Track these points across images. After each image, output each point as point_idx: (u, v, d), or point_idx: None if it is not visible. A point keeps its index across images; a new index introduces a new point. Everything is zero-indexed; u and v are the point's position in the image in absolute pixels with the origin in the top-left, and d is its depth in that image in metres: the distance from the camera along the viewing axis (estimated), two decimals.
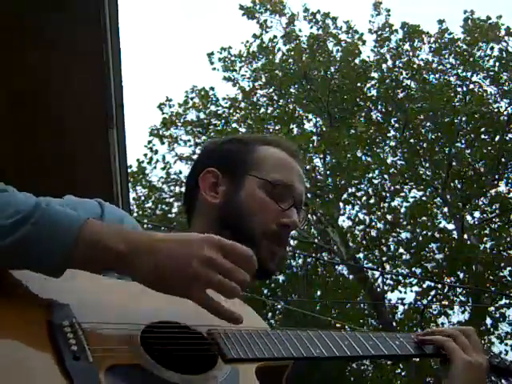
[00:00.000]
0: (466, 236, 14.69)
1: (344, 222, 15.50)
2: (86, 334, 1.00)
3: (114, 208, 1.39)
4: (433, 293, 14.72)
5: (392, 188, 15.43)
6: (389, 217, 15.25)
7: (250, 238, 1.39)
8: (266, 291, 15.23)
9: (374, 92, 16.26)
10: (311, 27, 16.56)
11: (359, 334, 1.34)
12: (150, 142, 16.35)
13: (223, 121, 16.50)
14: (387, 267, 15.19)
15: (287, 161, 1.52)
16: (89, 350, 0.97)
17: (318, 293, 15.59)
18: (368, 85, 16.19)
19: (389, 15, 16.31)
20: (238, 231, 1.41)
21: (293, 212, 1.46)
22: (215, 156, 1.54)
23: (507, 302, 14.04)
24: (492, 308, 14.27)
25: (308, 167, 15.41)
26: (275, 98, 16.70)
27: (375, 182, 15.63)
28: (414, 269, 14.97)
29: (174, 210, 16.17)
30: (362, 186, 15.52)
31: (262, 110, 16.74)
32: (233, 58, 16.80)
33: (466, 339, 1.37)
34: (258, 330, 1.20)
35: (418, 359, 10.28)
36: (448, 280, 14.65)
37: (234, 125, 16.41)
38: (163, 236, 1.09)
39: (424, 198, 15.44)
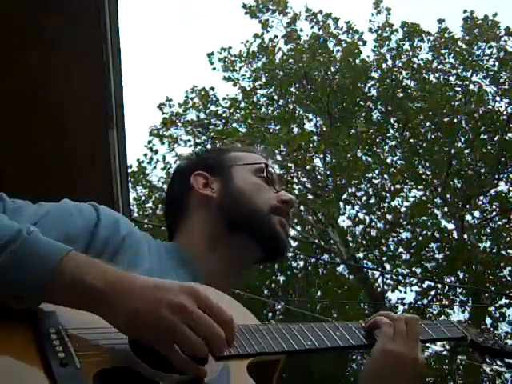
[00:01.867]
0: (465, 236, 14.69)
1: (344, 221, 15.52)
2: (73, 340, 0.99)
3: (108, 210, 1.38)
4: (433, 293, 14.73)
5: (392, 188, 15.43)
6: (389, 217, 15.25)
7: (258, 215, 1.44)
8: (266, 291, 15.24)
9: (373, 92, 16.27)
10: (312, 27, 16.59)
11: (351, 324, 1.34)
12: (149, 141, 16.37)
13: (223, 121, 16.50)
14: (387, 267, 15.19)
15: (260, 155, 1.60)
16: (76, 356, 0.96)
17: (319, 293, 15.59)
18: (368, 85, 16.20)
19: (389, 14, 16.34)
20: (245, 213, 1.45)
21: (286, 192, 1.53)
22: (199, 161, 1.58)
23: (507, 301, 14.04)
24: (492, 308, 14.27)
25: (308, 167, 15.42)
26: (275, 97, 16.70)
27: (375, 181, 15.63)
28: (413, 268, 14.97)
29: None
30: (362, 185, 15.52)
31: (263, 109, 16.74)
32: (233, 58, 16.81)
33: (404, 327, 1.32)
34: (248, 325, 1.19)
35: None
36: (448, 280, 14.66)
37: (234, 125, 16.42)
38: (139, 278, 1.05)
39: (424, 198, 15.45)
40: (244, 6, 16.55)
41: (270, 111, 16.70)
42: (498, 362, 1.50)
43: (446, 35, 16.16)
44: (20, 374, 0.93)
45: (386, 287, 14.98)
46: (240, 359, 1.11)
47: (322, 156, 15.73)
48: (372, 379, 1.30)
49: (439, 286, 14.54)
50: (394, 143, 16.08)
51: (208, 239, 1.45)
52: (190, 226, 1.50)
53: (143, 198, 16.47)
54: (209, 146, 16.26)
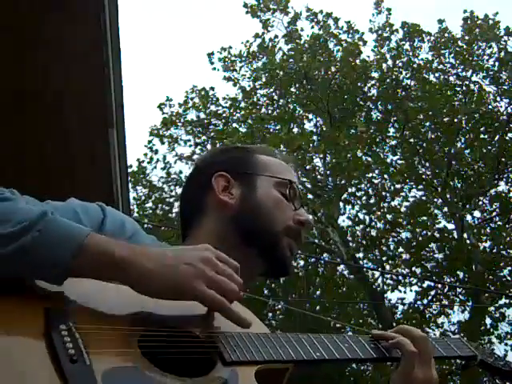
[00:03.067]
0: (465, 236, 14.70)
1: (344, 221, 15.52)
2: (84, 337, 1.00)
3: (115, 212, 1.39)
4: (433, 292, 14.73)
5: (392, 188, 15.43)
6: (389, 216, 15.25)
7: (272, 235, 1.43)
8: (266, 291, 15.23)
9: (374, 92, 16.27)
10: (312, 27, 16.59)
11: (360, 337, 1.34)
12: (150, 141, 16.38)
13: (223, 121, 16.50)
14: (387, 267, 15.19)
15: (286, 165, 1.57)
16: (86, 353, 0.97)
17: (317, 292, 15.59)
18: (368, 85, 16.20)
19: (389, 14, 16.34)
20: (259, 229, 1.43)
21: (304, 211, 1.50)
22: (222, 161, 1.53)
23: (507, 301, 14.04)
24: (492, 308, 14.27)
25: (308, 167, 15.42)
26: (275, 97, 16.70)
27: (375, 181, 15.63)
28: (413, 268, 14.97)
29: (175, 209, 16.17)
30: (362, 185, 15.53)
31: (263, 109, 16.74)
32: (233, 58, 16.81)
33: (428, 345, 1.34)
34: (257, 333, 1.19)
35: None
36: (448, 280, 14.66)
37: (234, 125, 16.42)
38: (168, 248, 1.15)
39: (424, 198, 15.45)
40: (245, 6, 16.55)
41: (270, 111, 16.70)
42: None
43: (446, 35, 16.16)
44: (30, 370, 0.93)
45: (385, 287, 15.00)
46: (248, 366, 1.12)
47: (321, 156, 15.73)
48: None
49: (439, 285, 14.54)
50: (394, 143, 16.08)
51: (218, 248, 1.44)
52: (202, 227, 1.48)
53: (143, 197, 16.48)
54: (209, 146, 16.28)
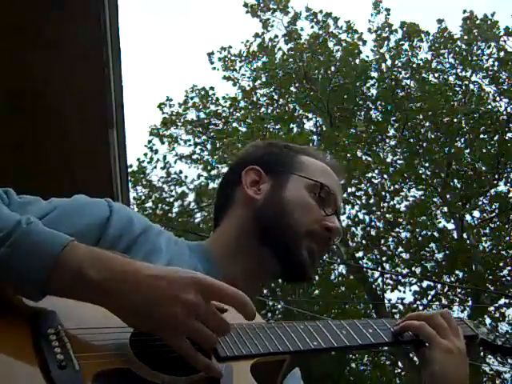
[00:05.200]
0: (465, 235, 14.70)
1: (344, 221, 15.51)
2: (72, 341, 0.97)
3: (123, 208, 1.34)
4: (432, 292, 14.74)
5: (392, 187, 15.43)
6: (388, 216, 15.26)
7: (291, 235, 1.36)
8: (265, 291, 15.24)
9: (373, 92, 16.28)
10: (312, 27, 16.59)
11: (358, 322, 1.31)
12: (150, 141, 16.37)
13: (223, 120, 16.50)
14: (387, 267, 15.19)
15: (331, 171, 1.50)
16: (75, 358, 0.94)
17: (316, 292, 15.58)
18: (368, 84, 16.21)
19: (388, 14, 16.35)
20: (279, 228, 1.37)
21: (335, 219, 1.41)
22: (259, 155, 1.49)
23: (507, 301, 14.05)
24: (492, 308, 14.28)
25: None
26: (275, 97, 16.70)
27: (375, 181, 15.64)
28: (413, 268, 14.98)
29: (175, 209, 16.18)
30: (362, 185, 15.53)
31: (262, 109, 16.74)
32: (233, 58, 16.81)
33: (444, 321, 1.33)
34: (252, 324, 1.15)
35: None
36: (448, 280, 14.66)
37: (234, 124, 16.42)
38: (146, 270, 1.01)
39: (423, 198, 15.45)
40: (245, 5, 16.56)
41: (269, 111, 16.70)
42: (510, 361, 1.49)
43: (445, 35, 16.16)
44: (17, 376, 0.91)
45: (385, 287, 15.00)
46: (244, 360, 1.09)
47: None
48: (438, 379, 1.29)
49: (439, 285, 14.55)
50: (393, 143, 16.09)
51: (235, 244, 1.40)
52: (227, 221, 1.45)
53: (143, 197, 16.47)
54: (209, 146, 16.29)
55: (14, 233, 0.97)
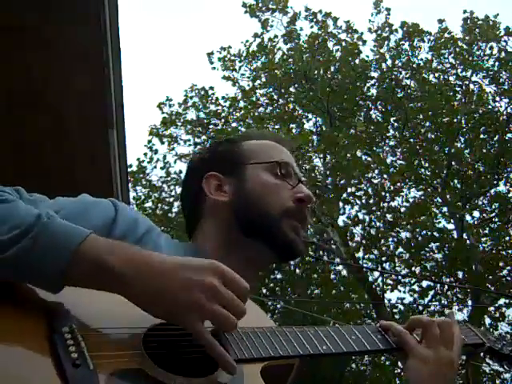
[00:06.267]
0: (465, 236, 14.69)
1: (344, 221, 15.51)
2: (87, 340, 0.98)
3: (128, 209, 1.36)
4: (432, 292, 14.74)
5: (391, 188, 15.43)
6: (388, 216, 15.26)
7: (269, 221, 1.38)
8: (264, 291, 15.24)
9: (373, 92, 16.27)
10: (311, 27, 16.59)
11: (367, 328, 1.32)
12: (149, 141, 16.37)
13: (223, 120, 16.50)
14: (386, 267, 15.19)
15: (275, 145, 1.53)
16: (89, 357, 0.95)
17: (316, 291, 15.59)
18: (368, 84, 16.20)
19: (389, 14, 16.34)
20: (256, 219, 1.39)
21: (302, 187, 1.44)
22: (210, 161, 1.51)
23: (507, 301, 14.04)
24: (491, 308, 14.27)
25: (307, 167, 15.41)
26: (275, 97, 16.70)
27: (375, 181, 15.63)
28: (413, 268, 14.97)
29: (174, 209, 16.18)
30: (362, 185, 15.52)
31: (262, 109, 16.74)
32: (232, 58, 16.81)
33: (438, 331, 1.32)
34: (263, 328, 1.17)
35: None
36: (447, 280, 14.66)
37: (234, 124, 16.42)
38: (165, 258, 1.05)
39: (423, 198, 15.45)
40: (244, 5, 16.55)
41: (269, 111, 16.69)
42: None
43: (446, 35, 16.16)
44: (32, 374, 0.92)
45: (385, 287, 15.00)
46: (254, 363, 1.10)
47: (321, 156, 15.73)
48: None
49: (438, 285, 14.54)
50: (393, 143, 16.08)
51: (223, 245, 1.41)
52: (204, 231, 1.45)
53: (143, 197, 16.48)
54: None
55: (35, 226, 1.00)
